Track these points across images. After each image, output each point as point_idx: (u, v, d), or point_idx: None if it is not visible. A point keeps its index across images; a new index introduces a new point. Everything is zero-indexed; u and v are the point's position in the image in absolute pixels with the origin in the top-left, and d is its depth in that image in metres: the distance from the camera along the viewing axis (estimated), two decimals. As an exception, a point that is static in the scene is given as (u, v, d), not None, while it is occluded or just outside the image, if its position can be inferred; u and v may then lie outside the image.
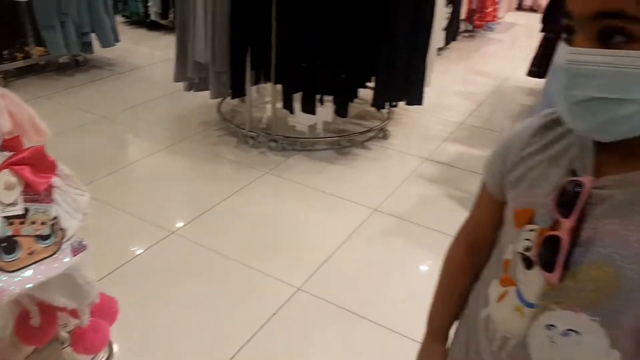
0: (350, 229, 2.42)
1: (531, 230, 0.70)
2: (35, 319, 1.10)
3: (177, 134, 3.29)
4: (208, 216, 2.49)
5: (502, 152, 0.78)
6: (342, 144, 3.24)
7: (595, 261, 0.63)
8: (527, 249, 0.70)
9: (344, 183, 2.82)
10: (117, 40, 4.29)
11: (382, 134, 3.35)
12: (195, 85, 3.23)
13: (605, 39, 0.55)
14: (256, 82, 3.13)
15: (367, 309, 1.96)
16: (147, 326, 1.85)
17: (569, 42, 0.59)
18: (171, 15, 5.19)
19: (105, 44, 4.19)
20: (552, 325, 0.68)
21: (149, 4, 5.37)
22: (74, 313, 1.13)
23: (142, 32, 5.48)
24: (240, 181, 2.78)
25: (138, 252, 2.23)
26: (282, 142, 3.15)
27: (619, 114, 0.57)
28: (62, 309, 1.10)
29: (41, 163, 1.05)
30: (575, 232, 0.64)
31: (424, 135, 3.41)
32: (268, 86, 3.23)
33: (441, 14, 3.55)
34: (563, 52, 0.59)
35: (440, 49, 4.87)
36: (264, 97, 3.71)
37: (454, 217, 2.69)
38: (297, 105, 3.05)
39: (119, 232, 2.36)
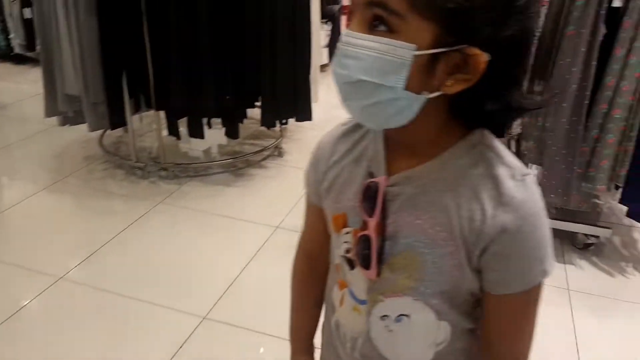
0: (253, 250, 2.37)
1: (347, 232, 0.75)
2: None
3: (58, 172, 3.05)
4: (99, 255, 2.32)
5: (314, 162, 0.82)
6: (238, 165, 3.20)
7: (402, 251, 0.70)
8: (348, 250, 0.75)
9: (242, 205, 2.77)
10: (-23, 77, 3.93)
11: (277, 152, 3.36)
12: (70, 118, 3.02)
13: (373, 26, 0.59)
14: (137, 110, 2.99)
15: (278, 327, 1.92)
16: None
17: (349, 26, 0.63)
18: (38, 46, 4.86)
19: (-36, 82, 3.82)
20: (385, 316, 0.74)
21: (11, 36, 4.98)
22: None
23: (6, 67, 5.06)
24: (131, 214, 2.63)
25: (23, 304, 2.02)
26: (173, 169, 3.04)
27: (377, 98, 0.61)
28: None
29: None
30: (381, 229, 0.70)
31: (317, 149, 3.46)
32: (151, 113, 3.11)
33: (319, 31, 3.64)
34: (342, 34, 0.62)
35: (325, 66, 5.00)
36: (151, 125, 3.57)
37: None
38: (184, 130, 2.96)
39: (-3, 286, 2.13)
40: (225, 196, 2.86)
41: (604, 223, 2.60)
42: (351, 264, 0.75)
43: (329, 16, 4.95)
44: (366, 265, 0.71)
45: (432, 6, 0.56)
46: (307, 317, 0.94)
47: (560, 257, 2.36)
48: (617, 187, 2.22)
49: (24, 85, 4.51)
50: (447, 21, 0.57)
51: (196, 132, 2.93)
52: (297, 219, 2.82)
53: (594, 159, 2.09)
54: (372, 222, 0.69)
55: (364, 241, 0.71)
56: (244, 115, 3.12)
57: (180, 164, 3.11)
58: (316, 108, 3.21)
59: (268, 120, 3.06)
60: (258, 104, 3.09)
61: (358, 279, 0.75)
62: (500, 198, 0.64)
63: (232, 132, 3.04)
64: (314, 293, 0.91)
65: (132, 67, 2.75)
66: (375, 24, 0.59)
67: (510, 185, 0.64)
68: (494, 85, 0.61)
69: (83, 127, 3.02)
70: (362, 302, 0.75)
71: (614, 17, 1.94)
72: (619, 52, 1.92)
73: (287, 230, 2.53)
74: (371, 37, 0.59)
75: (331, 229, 0.79)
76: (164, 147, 3.06)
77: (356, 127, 0.77)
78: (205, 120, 2.99)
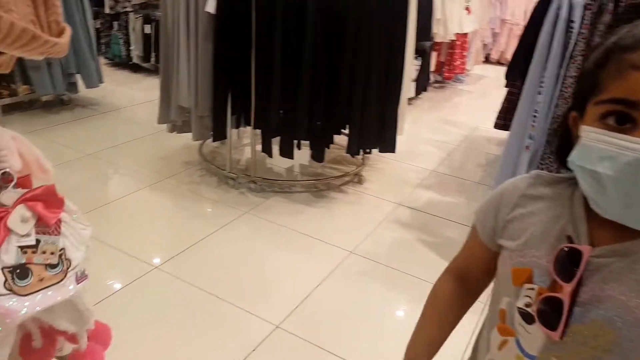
0: (327, 270, 2.50)
1: (531, 289, 0.75)
2: (37, 341, 1.17)
3: (160, 173, 3.39)
4: (189, 253, 2.57)
5: (495, 206, 0.84)
6: (319, 187, 3.37)
7: (595, 321, 0.69)
8: (528, 305, 0.76)
9: (320, 225, 2.92)
10: (101, 81, 4.42)
11: (358, 179, 3.50)
12: (178, 127, 3.37)
13: None
14: (237, 125, 3.27)
15: (343, 349, 2.01)
16: (130, 358, 1.91)
17: (626, 131, 0.62)
18: (152, 59, 5.38)
19: (90, 84, 4.31)
20: None
21: (131, 47, 5.54)
22: (71, 338, 1.20)
23: (125, 74, 5.63)
24: (220, 219, 2.88)
25: (121, 286, 2.29)
26: (261, 183, 3.27)
27: None
28: (63, 333, 1.17)
29: (52, 200, 1.14)
30: (574, 295, 0.70)
31: (397, 181, 3.56)
32: (248, 129, 3.37)
33: (410, 65, 3.77)
34: (632, 144, 0.61)
35: (412, 99, 5.10)
36: (244, 140, 3.85)
37: (427, 262, 2.78)
38: (275, 149, 3.19)
39: (103, 265, 2.42)
40: (305, 215, 3.04)
41: None
42: (529, 319, 0.75)
43: (420, 51, 5.07)
44: (552, 327, 0.71)
45: None
46: (434, 336, 0.92)
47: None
48: None
49: (138, 92, 5.00)
50: None
51: (287, 152, 3.14)
52: (371, 247, 2.94)
53: None
54: (568, 288, 0.70)
55: (552, 302, 0.71)
56: (331, 141, 3.29)
57: (267, 179, 3.34)
58: (400, 140, 3.32)
59: (353, 149, 3.20)
60: (345, 131, 3.26)
61: (533, 334, 0.75)
62: None
63: (318, 156, 3.22)
64: (453, 315, 0.93)
65: (238, 89, 3.04)
66: None
67: None
68: None
69: (186, 135, 3.34)
70: (530, 357, 0.76)
71: None
72: None
73: (360, 257, 2.64)
74: None
75: (505, 278, 0.80)
76: (256, 162, 3.30)
77: (541, 186, 0.79)
78: (295, 141, 3.20)
